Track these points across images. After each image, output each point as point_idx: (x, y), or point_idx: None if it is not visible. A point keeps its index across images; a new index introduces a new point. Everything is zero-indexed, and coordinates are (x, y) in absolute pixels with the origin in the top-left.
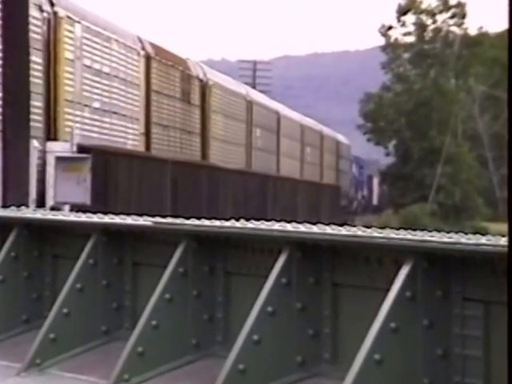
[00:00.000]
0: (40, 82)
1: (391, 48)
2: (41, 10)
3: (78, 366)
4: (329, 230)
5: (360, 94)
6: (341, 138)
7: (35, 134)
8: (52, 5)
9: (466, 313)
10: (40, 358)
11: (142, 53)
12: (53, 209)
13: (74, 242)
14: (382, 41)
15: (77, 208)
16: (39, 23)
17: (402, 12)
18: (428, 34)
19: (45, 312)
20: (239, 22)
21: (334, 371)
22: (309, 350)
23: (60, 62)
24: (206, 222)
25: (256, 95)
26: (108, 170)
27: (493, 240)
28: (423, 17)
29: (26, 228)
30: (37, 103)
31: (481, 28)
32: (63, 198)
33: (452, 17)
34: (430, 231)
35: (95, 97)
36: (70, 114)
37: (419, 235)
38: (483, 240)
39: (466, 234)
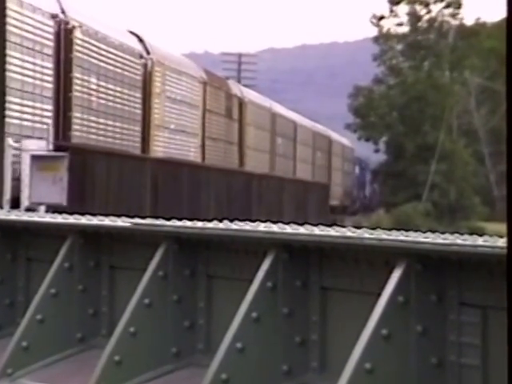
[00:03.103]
0: (139, 112)
1: (383, 39)
2: (141, 57)
3: (52, 375)
4: (317, 230)
5: (349, 88)
6: (345, 141)
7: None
8: (148, 52)
9: (462, 319)
10: (12, 368)
11: (201, 79)
12: (28, 210)
13: (49, 245)
14: (373, 32)
15: (53, 209)
16: (139, 67)
17: (395, 2)
18: (422, 25)
19: (17, 318)
20: (222, 12)
21: (322, 380)
22: (296, 358)
23: (152, 96)
24: (188, 223)
25: (277, 107)
26: (85, 169)
27: (490, 241)
28: (417, 6)
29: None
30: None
31: (477, 18)
32: (39, 199)
33: (447, 6)
34: (424, 232)
35: (172, 120)
36: (157, 135)
37: (412, 236)
38: (480, 241)
39: (462, 234)
